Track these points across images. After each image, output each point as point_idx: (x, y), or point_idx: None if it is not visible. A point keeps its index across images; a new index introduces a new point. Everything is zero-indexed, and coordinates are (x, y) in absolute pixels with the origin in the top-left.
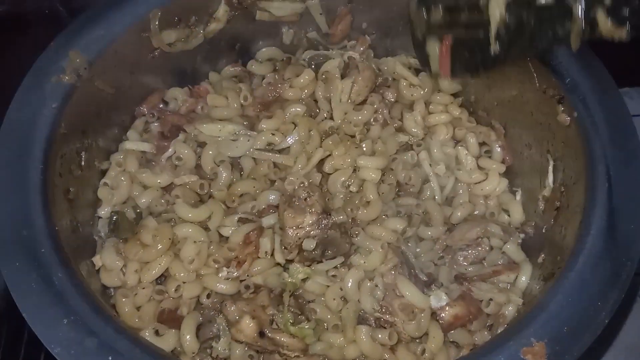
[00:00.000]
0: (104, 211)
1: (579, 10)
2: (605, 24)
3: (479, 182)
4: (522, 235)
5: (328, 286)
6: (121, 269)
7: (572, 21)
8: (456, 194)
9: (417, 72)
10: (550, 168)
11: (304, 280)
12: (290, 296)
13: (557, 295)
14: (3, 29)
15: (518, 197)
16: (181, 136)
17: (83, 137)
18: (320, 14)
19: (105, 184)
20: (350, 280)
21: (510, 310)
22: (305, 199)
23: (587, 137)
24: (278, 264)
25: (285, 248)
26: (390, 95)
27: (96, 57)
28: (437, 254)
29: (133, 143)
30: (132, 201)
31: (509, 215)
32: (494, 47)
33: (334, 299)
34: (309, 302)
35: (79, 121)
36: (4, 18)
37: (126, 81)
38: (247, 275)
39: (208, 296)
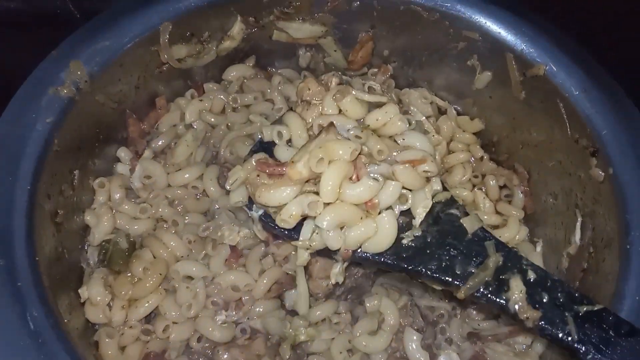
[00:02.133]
0: (94, 238)
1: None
2: (517, 292)
3: (497, 228)
4: None
5: (333, 338)
6: (108, 304)
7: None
8: None
9: (439, 111)
10: (578, 224)
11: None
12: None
13: None
14: (13, 25)
15: (539, 248)
16: (147, 152)
17: (78, 154)
18: (335, 50)
19: (94, 210)
20: (360, 331)
21: None
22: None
23: (623, 198)
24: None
25: (311, 296)
26: None
27: (99, 69)
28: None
29: (122, 166)
30: (125, 230)
31: None
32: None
33: (341, 352)
34: (309, 354)
35: (74, 137)
36: (14, 14)
37: (130, 96)
38: (247, 318)
39: (199, 339)
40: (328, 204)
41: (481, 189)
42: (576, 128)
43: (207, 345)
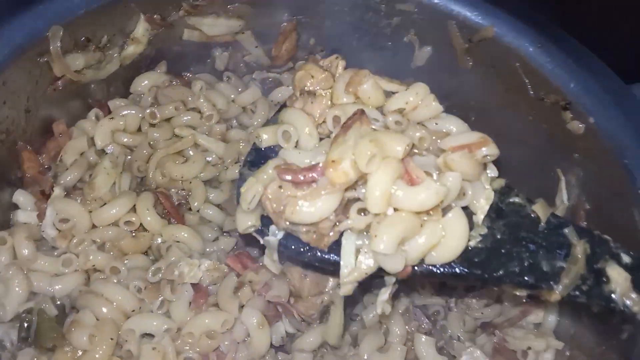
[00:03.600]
0: (5, 312)
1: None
2: (621, 282)
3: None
4: None
5: None
6: None
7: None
8: None
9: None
10: (563, 184)
11: None
12: None
13: None
14: None
15: None
16: (57, 190)
17: None
18: (256, 46)
19: None
20: (368, 346)
21: (549, 358)
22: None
23: (615, 145)
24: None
25: (303, 321)
26: None
27: None
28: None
29: (24, 213)
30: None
31: None
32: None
33: None
34: None
35: None
36: None
37: (20, 123)
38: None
39: None
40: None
41: None
42: (539, 86)
43: None
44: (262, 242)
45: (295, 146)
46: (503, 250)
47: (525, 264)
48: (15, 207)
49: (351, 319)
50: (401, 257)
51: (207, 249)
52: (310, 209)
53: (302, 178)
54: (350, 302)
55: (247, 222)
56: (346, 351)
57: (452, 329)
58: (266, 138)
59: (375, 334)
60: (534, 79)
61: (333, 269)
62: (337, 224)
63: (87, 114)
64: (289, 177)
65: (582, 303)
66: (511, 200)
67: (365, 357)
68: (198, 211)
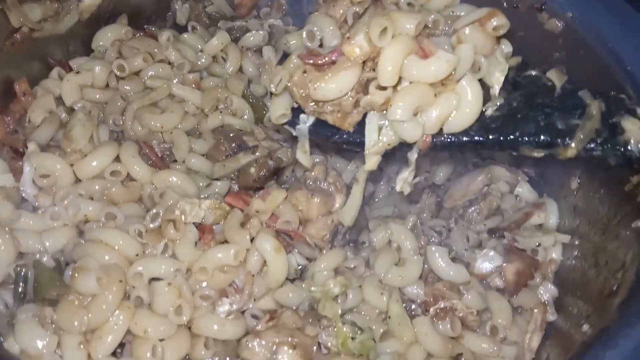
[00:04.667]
0: None
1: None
2: (636, 131)
3: None
4: (526, 177)
5: (360, 286)
6: (55, 349)
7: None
8: None
9: None
10: None
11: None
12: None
13: None
14: None
15: None
16: (32, 145)
17: None
18: None
19: None
20: (385, 267)
21: (557, 252)
22: (325, 178)
23: (598, 36)
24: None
25: (315, 245)
26: None
27: None
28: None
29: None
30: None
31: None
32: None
33: (382, 293)
34: (343, 314)
35: None
36: None
37: None
38: (253, 300)
39: (206, 346)
40: (394, 90)
41: None
42: None
43: (218, 349)
44: (294, 133)
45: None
46: (519, 115)
47: (541, 124)
48: None
49: (362, 245)
50: (419, 125)
51: (202, 195)
52: (332, 84)
53: (323, 60)
54: (358, 229)
55: (279, 110)
56: (362, 271)
57: (456, 246)
58: (293, 41)
59: (388, 251)
60: None
61: (359, 149)
62: (359, 101)
63: (50, 74)
64: (311, 60)
65: (598, 156)
66: (528, 73)
67: (383, 274)
68: (184, 162)
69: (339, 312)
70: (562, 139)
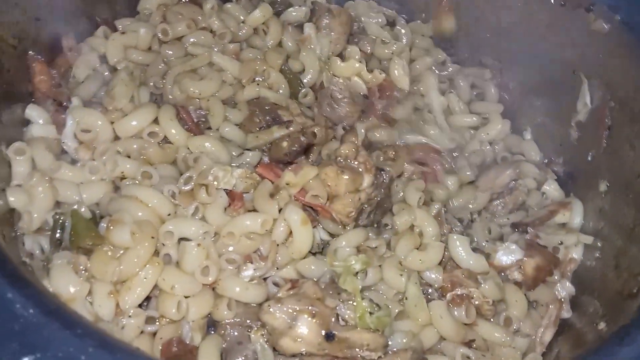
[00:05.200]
0: (30, 221)
1: None
2: None
3: (481, 128)
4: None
5: (380, 266)
6: (86, 296)
7: None
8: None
9: (390, 24)
10: (585, 87)
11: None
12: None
13: None
14: None
15: (528, 135)
16: (75, 100)
17: None
18: None
19: (19, 186)
20: (405, 246)
21: (578, 254)
22: (355, 157)
23: None
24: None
25: (340, 222)
26: (367, 46)
27: None
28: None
29: (38, 127)
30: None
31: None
32: None
33: (401, 275)
34: (361, 291)
35: None
36: None
37: (30, 31)
38: (276, 269)
39: (228, 307)
40: None
41: (452, 92)
42: None
43: (239, 311)
44: None
45: None
46: None
47: None
48: (28, 122)
49: (385, 227)
50: None
51: (233, 164)
52: None
53: None
54: (381, 210)
55: None
56: (383, 252)
57: (477, 236)
58: None
59: (410, 235)
60: None
61: None
62: None
63: (96, 32)
64: None
65: None
66: None
67: (403, 256)
68: (218, 129)
69: (359, 287)
70: None
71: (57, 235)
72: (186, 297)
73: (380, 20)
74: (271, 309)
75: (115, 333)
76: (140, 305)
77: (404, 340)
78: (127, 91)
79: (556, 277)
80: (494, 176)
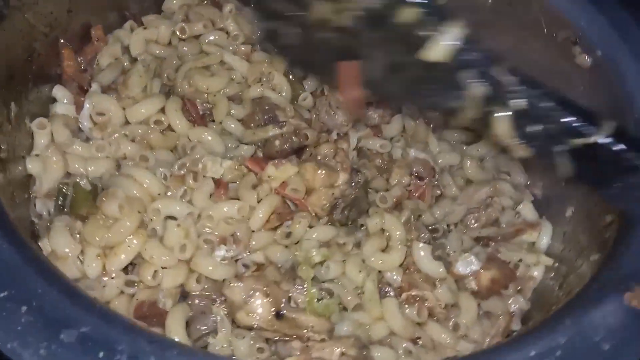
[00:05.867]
0: (41, 187)
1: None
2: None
3: (473, 144)
4: (531, 197)
5: (344, 261)
6: (78, 255)
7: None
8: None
9: None
10: None
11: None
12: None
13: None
14: None
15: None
16: (95, 86)
17: (11, 84)
18: None
19: (37, 155)
20: (371, 250)
21: (538, 272)
22: (334, 157)
23: (619, 76)
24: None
25: (315, 214)
26: None
27: None
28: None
29: (61, 106)
30: (79, 173)
31: (510, 177)
32: None
33: (360, 272)
34: (322, 282)
35: (5, 62)
36: None
37: (62, 21)
38: (248, 252)
39: (197, 281)
40: None
41: None
42: (553, 22)
43: (207, 286)
44: None
45: None
46: None
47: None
48: (54, 101)
49: (360, 228)
50: None
51: (228, 154)
52: None
53: None
54: (358, 209)
55: None
56: (349, 249)
57: (451, 246)
58: None
59: (378, 237)
60: (548, 17)
61: None
62: None
63: (123, 25)
64: None
65: None
66: None
67: (367, 255)
68: (221, 123)
69: (312, 276)
70: None
71: (60, 202)
72: (163, 267)
73: None
74: (232, 285)
75: (97, 290)
76: (126, 270)
77: (350, 329)
78: (141, 82)
79: (511, 291)
80: (472, 192)
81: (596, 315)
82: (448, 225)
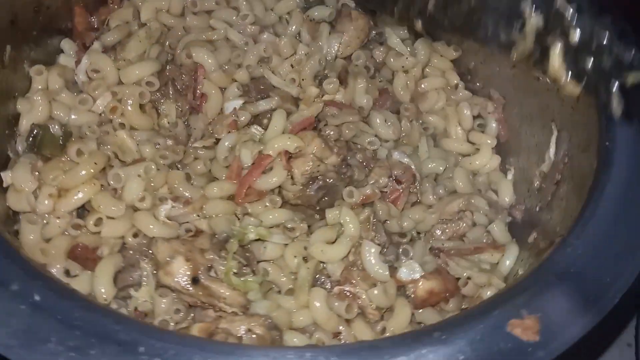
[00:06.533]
0: (22, 126)
1: (533, 26)
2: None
3: (468, 156)
4: (509, 218)
5: (286, 244)
6: (34, 191)
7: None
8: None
9: (415, 35)
10: (554, 138)
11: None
12: (239, 246)
13: (558, 264)
14: None
15: (510, 176)
16: (97, 44)
17: (10, 29)
18: None
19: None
20: (317, 239)
21: (489, 294)
22: (336, 140)
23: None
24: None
25: (292, 178)
26: (379, 55)
27: None
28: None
29: (64, 57)
30: (61, 120)
31: (497, 196)
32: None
33: (295, 257)
34: (260, 261)
35: (8, 7)
36: None
37: None
38: (196, 215)
39: (135, 235)
40: None
41: (454, 117)
42: None
43: (143, 242)
44: None
45: None
46: None
47: None
48: (60, 52)
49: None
50: None
51: None
52: None
53: None
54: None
55: None
56: (298, 234)
57: (414, 253)
58: None
59: (330, 229)
60: None
61: None
62: None
63: None
64: None
65: None
66: None
67: (311, 243)
68: None
69: (234, 249)
70: None
71: (30, 141)
72: (108, 217)
73: (403, 32)
74: (158, 243)
75: (37, 224)
76: (80, 215)
77: (265, 310)
78: (139, 47)
79: (451, 306)
80: (445, 202)
81: (469, 334)
82: (418, 233)
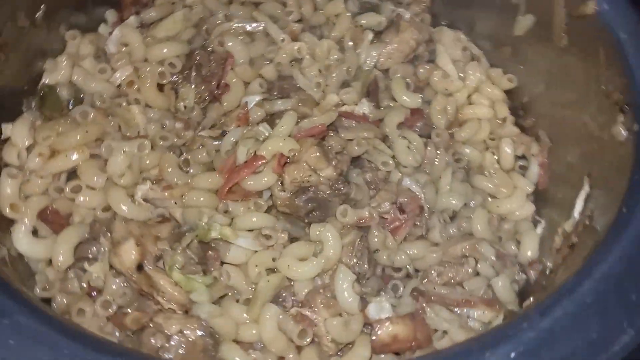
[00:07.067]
0: (40, 84)
1: None
2: None
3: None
4: (523, 276)
5: (256, 251)
6: (27, 148)
7: None
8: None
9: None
10: (583, 193)
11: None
12: (197, 242)
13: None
14: None
15: (540, 229)
16: (133, 19)
17: None
18: None
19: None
20: (291, 250)
21: None
22: (338, 153)
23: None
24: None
25: (281, 184)
26: (423, 73)
27: None
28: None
29: (104, 27)
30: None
31: (518, 249)
32: None
33: (256, 267)
34: (224, 263)
35: None
36: None
37: None
38: (175, 202)
39: (105, 210)
40: None
41: (493, 153)
42: (611, 80)
43: (109, 218)
44: None
45: None
46: None
47: None
48: (104, 22)
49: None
50: None
51: None
52: None
53: None
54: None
55: None
56: (272, 244)
57: (403, 292)
58: None
59: (308, 245)
60: (611, 71)
61: None
62: None
63: None
64: None
65: None
66: None
67: (282, 255)
68: None
69: (186, 244)
70: None
71: (38, 100)
72: (88, 187)
73: (458, 52)
74: (116, 222)
75: (16, 178)
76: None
77: (205, 315)
78: (173, 28)
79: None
80: (450, 244)
81: None
82: (417, 270)
